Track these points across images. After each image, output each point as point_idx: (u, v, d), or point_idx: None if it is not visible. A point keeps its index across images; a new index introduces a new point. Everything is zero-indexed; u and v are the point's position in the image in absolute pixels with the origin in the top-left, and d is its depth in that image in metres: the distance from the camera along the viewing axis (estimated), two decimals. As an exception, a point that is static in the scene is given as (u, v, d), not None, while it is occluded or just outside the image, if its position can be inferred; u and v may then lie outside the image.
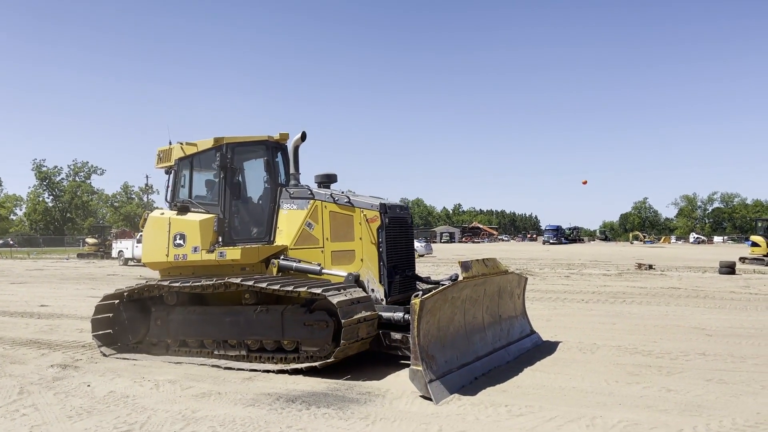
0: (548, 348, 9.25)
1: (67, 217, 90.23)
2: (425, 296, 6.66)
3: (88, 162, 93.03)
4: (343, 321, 7.10)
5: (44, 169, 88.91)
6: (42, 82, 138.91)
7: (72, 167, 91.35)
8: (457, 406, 6.17)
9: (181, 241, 9.09)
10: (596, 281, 22.08)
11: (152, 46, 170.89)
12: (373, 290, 8.24)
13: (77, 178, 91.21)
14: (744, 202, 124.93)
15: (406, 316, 7.62)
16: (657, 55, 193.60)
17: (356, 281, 8.17)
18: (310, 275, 8.54)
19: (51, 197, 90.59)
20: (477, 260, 7.89)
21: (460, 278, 7.42)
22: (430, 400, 6.27)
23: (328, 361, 7.34)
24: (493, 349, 8.12)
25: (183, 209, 9.28)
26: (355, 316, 7.28)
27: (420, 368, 6.43)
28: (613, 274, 25.95)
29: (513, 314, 9.20)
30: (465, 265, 7.46)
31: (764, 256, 33.14)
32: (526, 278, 10.04)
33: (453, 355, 7.16)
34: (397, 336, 7.73)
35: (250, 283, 7.82)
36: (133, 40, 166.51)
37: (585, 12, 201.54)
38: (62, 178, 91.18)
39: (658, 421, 5.64)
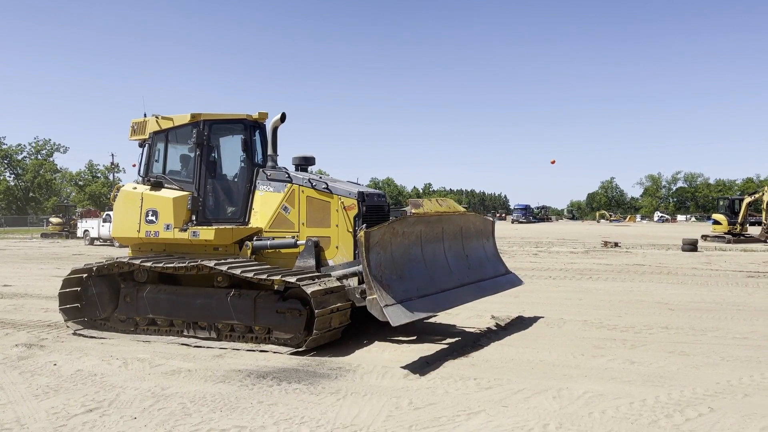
0: (516, 323, 9.42)
1: (30, 196, 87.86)
2: (370, 229, 6.90)
3: (50, 139, 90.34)
4: (316, 311, 7.11)
5: (5, 146, 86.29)
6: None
7: (33, 145, 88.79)
8: (427, 379, 6.26)
9: (154, 218, 8.95)
10: (564, 259, 22.45)
11: (117, 18, 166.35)
12: (346, 277, 8.25)
13: (39, 156, 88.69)
14: (707, 181, 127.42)
15: None
16: (624, 37, 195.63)
17: (315, 246, 8.20)
18: (284, 250, 8.51)
19: (12, 176, 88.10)
20: (429, 199, 8.20)
21: (409, 214, 7.61)
22: (389, 323, 6.53)
23: (299, 350, 7.35)
24: (461, 283, 8.28)
25: (156, 185, 9.12)
26: (329, 307, 7.29)
27: (375, 296, 6.62)
28: (580, 251, 26.41)
29: (482, 254, 9.33)
30: (415, 203, 7.79)
31: (725, 233, 34.08)
32: (493, 221, 10.15)
33: (412, 286, 7.36)
34: (364, 286, 7.77)
35: (224, 268, 7.74)
36: (97, 11, 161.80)
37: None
38: (24, 157, 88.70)
39: (622, 391, 5.80)
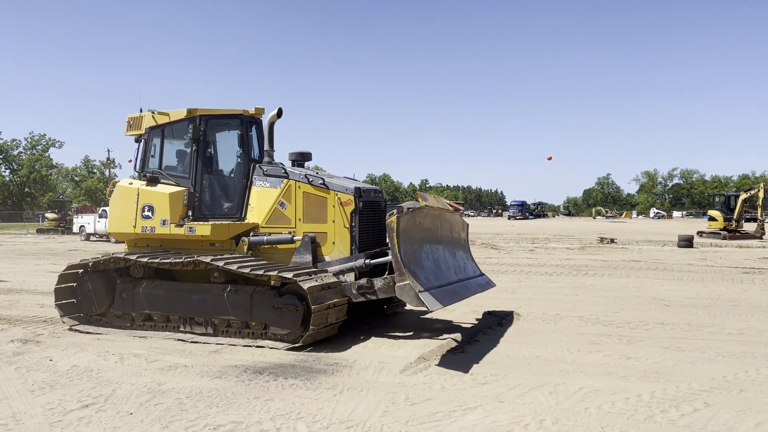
0: (513, 319, 9.43)
1: (26, 191, 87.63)
2: (400, 214, 6.95)
3: (45, 134, 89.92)
4: (313, 307, 7.10)
5: (0, 141, 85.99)
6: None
7: (29, 140, 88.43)
8: (423, 375, 6.26)
9: (150, 213, 8.93)
10: (560, 255, 22.49)
11: (114, 12, 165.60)
12: (342, 272, 8.24)
13: (34, 152, 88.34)
14: (702, 178, 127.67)
15: (367, 261, 7.89)
16: (621, 31, 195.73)
17: (312, 242, 8.20)
18: (281, 246, 8.50)
19: (8, 171, 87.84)
20: (430, 194, 8.29)
21: (421, 205, 7.69)
22: (426, 309, 6.67)
23: (296, 346, 7.35)
24: (458, 279, 8.31)
25: (153, 180, 9.09)
26: (326, 302, 7.29)
27: (408, 281, 6.60)
28: (576, 247, 26.45)
29: (464, 254, 9.38)
30: (423, 196, 7.90)
31: (721, 230, 34.18)
32: (468, 224, 10.16)
33: (429, 276, 7.37)
34: (361, 282, 7.78)
35: (221, 264, 7.73)
36: (93, 5, 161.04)
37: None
38: (20, 152, 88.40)
39: (618, 387, 5.81)
